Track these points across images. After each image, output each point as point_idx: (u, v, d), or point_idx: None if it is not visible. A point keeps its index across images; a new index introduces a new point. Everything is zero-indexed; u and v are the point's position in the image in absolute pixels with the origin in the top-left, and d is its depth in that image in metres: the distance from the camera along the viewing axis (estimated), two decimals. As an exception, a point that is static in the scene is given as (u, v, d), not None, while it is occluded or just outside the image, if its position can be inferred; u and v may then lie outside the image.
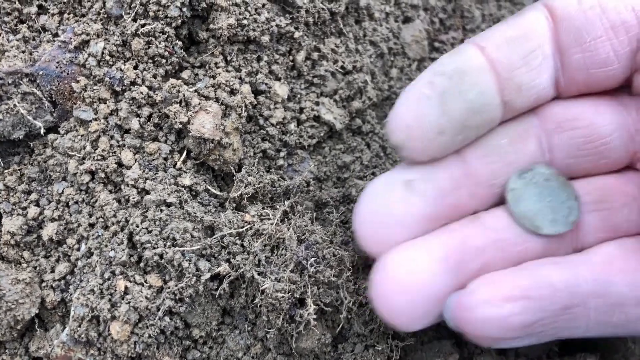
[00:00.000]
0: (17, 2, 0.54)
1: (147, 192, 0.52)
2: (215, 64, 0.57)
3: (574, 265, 0.46)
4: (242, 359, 0.53)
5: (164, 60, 0.54)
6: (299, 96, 0.62)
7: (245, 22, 0.56)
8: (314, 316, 0.49)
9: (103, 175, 0.52)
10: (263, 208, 0.56)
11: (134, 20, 0.53)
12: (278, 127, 0.60)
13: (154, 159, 0.53)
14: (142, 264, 0.51)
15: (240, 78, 0.57)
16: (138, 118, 0.53)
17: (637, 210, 0.47)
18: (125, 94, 0.53)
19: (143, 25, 0.53)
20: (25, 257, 0.53)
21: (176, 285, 0.50)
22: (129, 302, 0.49)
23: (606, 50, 0.45)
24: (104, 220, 0.51)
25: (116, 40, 0.53)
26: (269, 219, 0.54)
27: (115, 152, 0.52)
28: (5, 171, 0.53)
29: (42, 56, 0.52)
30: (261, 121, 0.59)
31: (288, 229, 0.53)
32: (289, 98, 0.61)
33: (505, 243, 0.47)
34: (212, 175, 0.57)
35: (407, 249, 0.46)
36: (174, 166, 0.54)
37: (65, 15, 0.55)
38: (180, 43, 0.55)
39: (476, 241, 0.47)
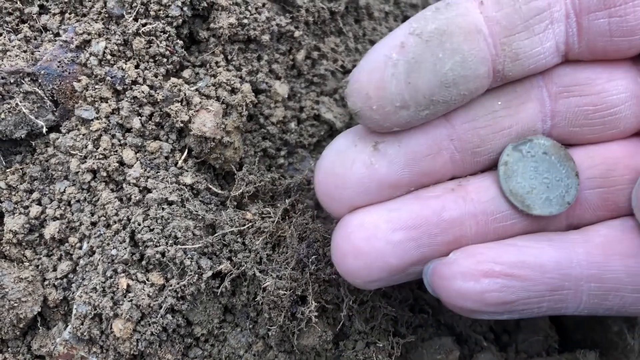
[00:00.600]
0: (18, 2, 0.55)
1: (149, 191, 0.52)
2: (216, 63, 0.57)
3: (570, 244, 0.43)
4: (243, 356, 0.54)
5: (165, 60, 0.54)
6: (299, 95, 0.62)
7: (245, 21, 0.57)
8: (315, 313, 0.50)
9: (105, 174, 0.52)
10: (264, 206, 0.56)
11: (135, 19, 0.53)
12: (278, 125, 0.60)
13: (155, 158, 0.53)
14: (144, 262, 0.51)
15: (240, 77, 0.58)
16: (139, 117, 0.53)
17: None
18: (126, 93, 0.53)
19: (144, 25, 0.53)
20: (27, 256, 0.53)
21: (178, 283, 0.50)
22: (131, 300, 0.49)
23: (637, 17, 0.40)
24: (106, 219, 0.51)
25: (117, 40, 0.53)
26: (270, 217, 0.54)
27: (116, 151, 0.52)
28: (7, 170, 0.54)
29: (43, 56, 0.53)
30: (262, 120, 0.59)
31: (289, 227, 0.53)
32: (289, 97, 0.62)
33: (488, 218, 0.44)
34: (213, 174, 0.57)
35: (368, 215, 0.43)
36: (176, 165, 0.54)
37: (67, 15, 0.55)
38: (181, 42, 0.55)
39: (453, 212, 0.43)
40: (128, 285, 0.49)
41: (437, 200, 0.44)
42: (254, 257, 0.52)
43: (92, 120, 0.52)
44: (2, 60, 0.52)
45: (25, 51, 0.53)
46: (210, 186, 0.55)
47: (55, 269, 0.52)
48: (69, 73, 0.52)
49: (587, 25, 0.41)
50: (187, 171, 0.54)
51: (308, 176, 0.59)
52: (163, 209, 0.51)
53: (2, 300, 0.50)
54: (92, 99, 0.52)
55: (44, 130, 0.53)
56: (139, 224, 0.51)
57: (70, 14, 0.55)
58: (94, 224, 0.52)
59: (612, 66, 0.43)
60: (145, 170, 0.52)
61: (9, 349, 0.53)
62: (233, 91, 0.56)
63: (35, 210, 0.52)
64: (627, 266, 0.42)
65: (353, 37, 0.67)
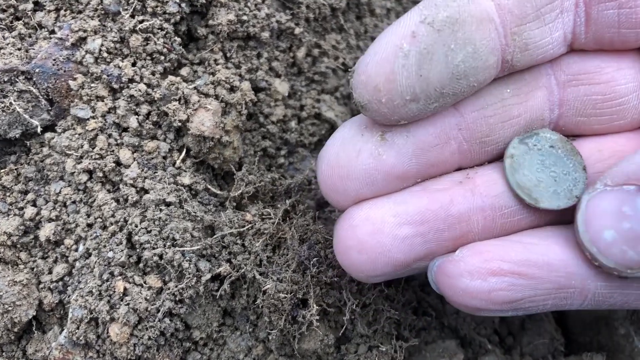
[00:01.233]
0: (12, -1, 0.54)
1: (146, 192, 0.51)
2: (215, 60, 0.56)
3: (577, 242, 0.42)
4: (243, 360, 0.53)
5: (162, 57, 0.53)
6: (299, 93, 0.62)
7: (245, 18, 0.56)
8: (317, 317, 0.49)
9: (101, 174, 0.51)
10: (264, 207, 0.55)
11: (132, 16, 0.53)
12: (278, 124, 0.59)
13: (152, 158, 0.52)
14: (141, 265, 0.50)
15: (240, 75, 0.57)
16: (136, 116, 0.52)
17: None
18: (123, 91, 0.52)
19: (141, 22, 0.52)
20: (22, 258, 0.52)
21: (176, 286, 0.49)
22: (128, 304, 0.48)
23: None
24: (102, 220, 0.51)
25: (114, 37, 0.52)
26: (270, 218, 0.53)
27: (113, 150, 0.52)
28: (2, 171, 0.53)
29: (38, 53, 0.52)
30: (261, 119, 0.59)
31: (290, 229, 0.52)
32: (289, 95, 0.61)
33: (496, 213, 0.43)
34: (212, 174, 0.57)
35: (373, 207, 0.42)
36: (174, 165, 0.53)
37: (62, 12, 0.54)
38: (179, 39, 0.54)
39: (460, 207, 0.43)
40: (125, 289, 0.49)
41: (445, 193, 0.43)
42: (254, 259, 0.51)
43: (88, 119, 0.52)
44: (-4, 58, 0.51)
45: (19, 49, 0.52)
46: (209, 187, 0.55)
47: (50, 272, 0.52)
48: (65, 71, 0.52)
49: (595, 15, 0.40)
50: (186, 171, 0.53)
51: (309, 176, 0.58)
52: (161, 210, 0.51)
53: (-4, 304, 0.49)
54: (88, 97, 0.52)
55: (39, 129, 0.52)
56: (136, 226, 0.50)
57: (65, 10, 0.54)
58: (90, 225, 0.51)
59: (619, 56, 0.43)
60: (143, 170, 0.52)
61: (4, 354, 0.52)
62: (232, 89, 0.55)
63: (30, 211, 0.52)
64: None
65: (354, 34, 0.66)
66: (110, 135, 0.52)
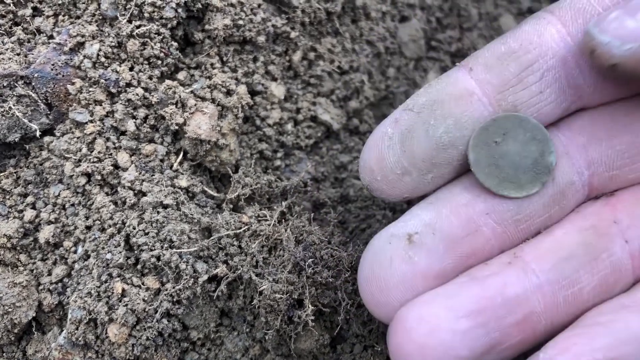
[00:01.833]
0: (11, 5, 0.54)
1: (144, 194, 0.52)
2: (211, 64, 0.56)
3: None
4: (240, 360, 0.53)
5: (159, 62, 0.54)
6: (295, 96, 0.62)
7: (241, 22, 0.56)
8: (312, 317, 0.49)
9: (99, 177, 0.51)
10: (260, 209, 0.55)
11: (129, 21, 0.53)
12: (275, 127, 0.60)
13: (150, 161, 0.53)
14: (139, 266, 0.50)
15: (236, 79, 0.57)
16: (134, 120, 0.53)
17: None
18: (120, 95, 0.52)
19: (138, 27, 0.53)
20: (22, 260, 0.52)
21: (174, 287, 0.50)
22: (126, 305, 0.49)
23: None
24: (101, 223, 0.51)
25: (111, 42, 0.53)
26: (267, 220, 0.54)
27: (111, 154, 0.52)
28: (1, 174, 0.53)
29: (37, 58, 0.52)
30: (258, 122, 0.59)
31: (286, 230, 0.52)
32: (285, 98, 0.61)
33: (554, 287, 0.41)
34: (209, 177, 0.57)
35: (425, 305, 0.40)
36: (171, 168, 0.54)
37: (60, 17, 0.55)
38: (175, 44, 0.55)
39: (516, 288, 0.40)
40: (123, 290, 0.49)
41: (496, 278, 0.41)
42: (250, 261, 0.52)
43: (86, 123, 0.52)
44: (-5, 63, 0.51)
45: (18, 54, 0.53)
46: (206, 189, 0.55)
47: (50, 274, 0.52)
48: (63, 76, 0.52)
49: (590, 63, 0.40)
50: (183, 174, 0.54)
51: (305, 178, 0.59)
52: (158, 212, 0.51)
53: (-4, 306, 0.49)
54: (86, 101, 0.52)
55: (38, 133, 0.52)
56: (134, 228, 0.50)
57: (64, 16, 0.55)
58: (88, 227, 0.52)
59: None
60: (140, 173, 0.52)
61: (4, 355, 0.52)
62: (229, 93, 0.56)
63: (29, 214, 0.52)
64: None
65: (350, 38, 0.66)
66: (108, 139, 0.52)
